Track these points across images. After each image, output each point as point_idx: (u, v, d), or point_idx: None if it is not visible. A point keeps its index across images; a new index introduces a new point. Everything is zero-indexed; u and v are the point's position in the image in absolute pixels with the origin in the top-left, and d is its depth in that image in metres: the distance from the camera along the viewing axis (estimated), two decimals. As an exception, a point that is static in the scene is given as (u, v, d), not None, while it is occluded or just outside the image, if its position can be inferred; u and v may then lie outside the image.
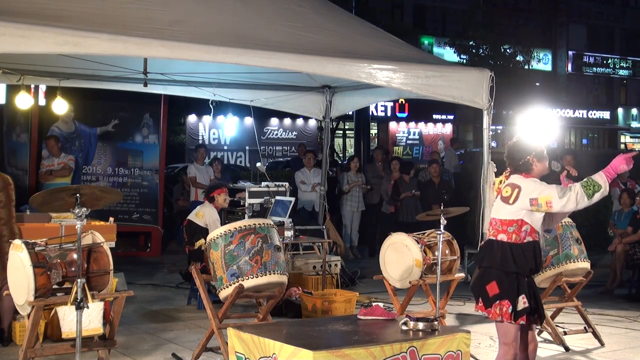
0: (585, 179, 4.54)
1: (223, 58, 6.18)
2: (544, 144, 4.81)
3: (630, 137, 43.81)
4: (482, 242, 7.77)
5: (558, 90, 38.55)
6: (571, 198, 4.52)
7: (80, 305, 4.83)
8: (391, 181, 12.51)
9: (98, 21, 5.85)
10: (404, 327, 4.83)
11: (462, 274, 7.47)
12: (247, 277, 5.81)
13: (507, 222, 4.70)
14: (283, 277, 6.02)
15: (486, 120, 7.42)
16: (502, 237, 4.71)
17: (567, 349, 6.84)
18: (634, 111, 44.31)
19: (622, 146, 41.12)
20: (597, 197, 4.51)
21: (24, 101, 9.20)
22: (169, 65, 8.37)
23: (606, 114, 42.40)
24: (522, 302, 4.64)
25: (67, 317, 5.05)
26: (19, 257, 5.15)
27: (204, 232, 7.69)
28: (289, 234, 8.48)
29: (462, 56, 23.41)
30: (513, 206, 4.67)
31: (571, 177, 4.78)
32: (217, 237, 5.92)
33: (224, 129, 29.30)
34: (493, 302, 4.68)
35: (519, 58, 23.29)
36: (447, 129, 36.48)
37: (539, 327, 6.22)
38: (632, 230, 10.21)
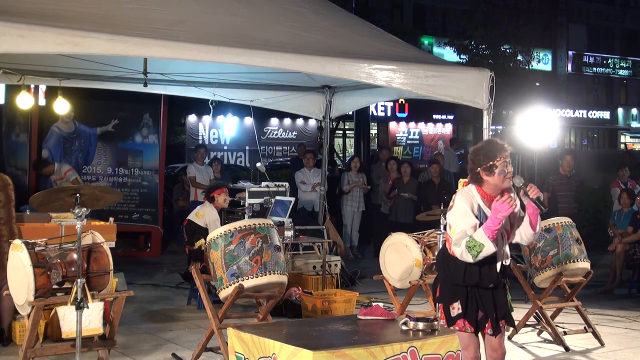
0: (470, 238, 4.22)
1: (223, 58, 6.17)
2: (503, 153, 4.32)
3: (630, 137, 43.81)
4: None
5: (558, 90, 38.52)
6: (457, 252, 4.26)
7: (80, 305, 4.83)
8: (389, 181, 12.52)
9: (98, 21, 5.84)
10: (404, 327, 4.83)
11: (462, 274, 7.46)
12: (247, 277, 5.81)
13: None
14: (283, 277, 6.02)
15: (486, 120, 7.41)
16: (447, 245, 4.45)
17: (567, 349, 6.84)
18: (634, 111, 44.31)
19: (622, 146, 41.10)
20: (483, 255, 4.22)
21: (24, 101, 9.19)
22: (169, 65, 8.37)
23: (606, 114, 42.39)
24: (457, 309, 4.35)
25: (67, 317, 5.05)
26: (19, 257, 5.15)
27: (204, 232, 7.69)
28: (289, 234, 8.49)
29: (462, 56, 23.34)
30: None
31: (539, 204, 4.33)
32: (217, 237, 5.92)
33: (224, 129, 29.27)
34: (437, 303, 4.52)
35: (519, 58, 23.22)
36: (447, 129, 36.45)
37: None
38: (632, 230, 10.22)
